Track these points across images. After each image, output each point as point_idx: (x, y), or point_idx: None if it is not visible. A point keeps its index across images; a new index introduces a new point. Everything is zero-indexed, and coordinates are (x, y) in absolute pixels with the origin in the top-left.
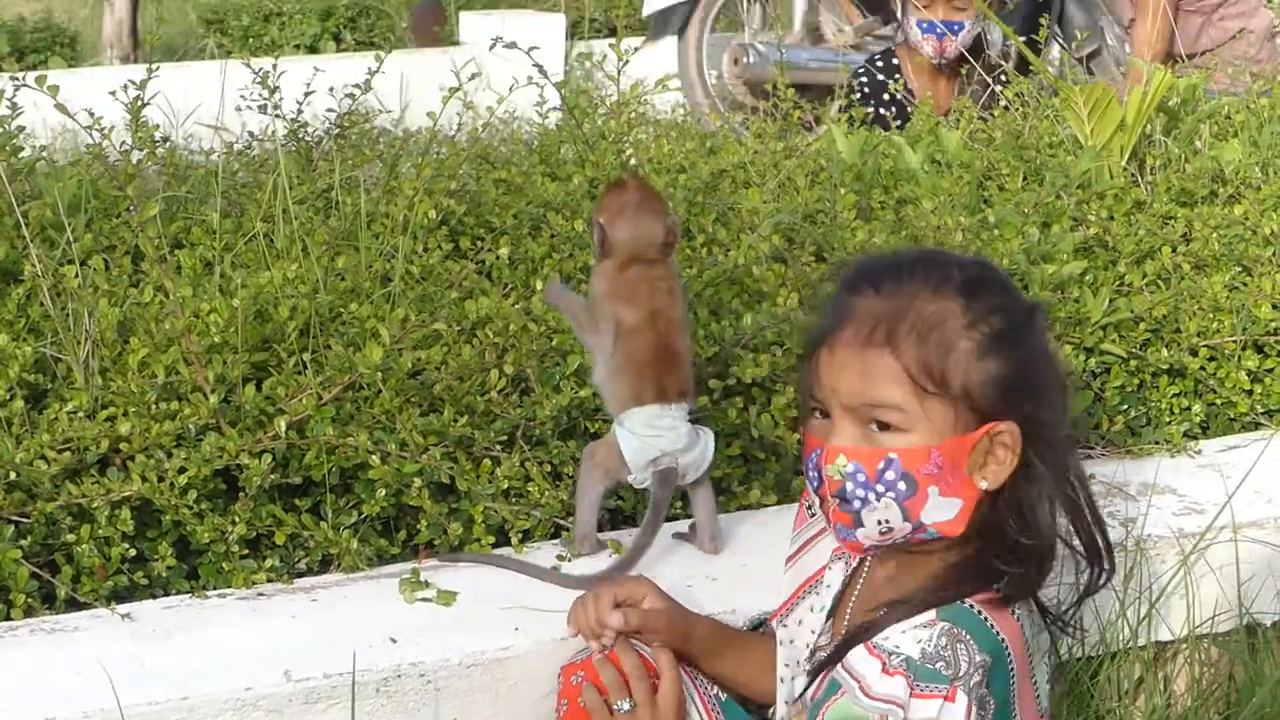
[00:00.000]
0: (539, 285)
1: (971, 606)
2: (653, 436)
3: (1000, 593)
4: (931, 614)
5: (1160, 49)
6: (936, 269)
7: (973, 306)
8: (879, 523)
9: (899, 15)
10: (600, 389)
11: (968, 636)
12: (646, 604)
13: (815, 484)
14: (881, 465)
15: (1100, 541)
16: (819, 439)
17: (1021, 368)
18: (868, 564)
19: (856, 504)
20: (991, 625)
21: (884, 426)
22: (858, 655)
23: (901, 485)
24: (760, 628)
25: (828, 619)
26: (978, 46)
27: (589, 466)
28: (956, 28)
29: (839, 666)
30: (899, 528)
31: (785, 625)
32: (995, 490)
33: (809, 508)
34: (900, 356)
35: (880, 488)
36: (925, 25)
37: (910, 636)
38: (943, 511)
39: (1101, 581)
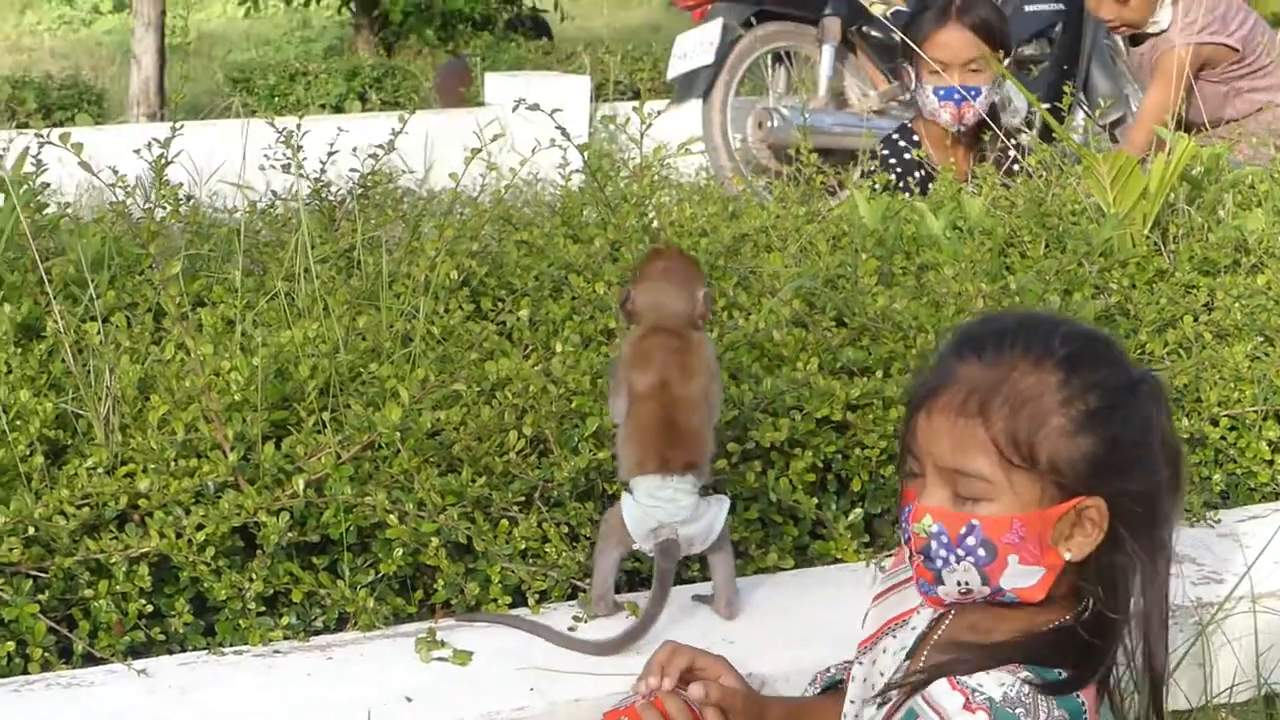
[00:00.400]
0: (559, 347)
1: (1055, 667)
2: (652, 506)
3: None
4: (1016, 664)
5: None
6: (1040, 339)
7: (1071, 381)
8: (958, 583)
9: (912, 86)
10: (618, 453)
11: (1049, 691)
12: (724, 681)
13: (905, 538)
14: (964, 530)
15: (1156, 658)
16: (913, 494)
17: (1116, 444)
18: (953, 612)
19: (939, 563)
20: None
21: (971, 493)
22: (940, 688)
23: (981, 551)
24: (831, 689)
25: (906, 658)
26: (993, 113)
27: (606, 530)
28: (974, 93)
29: (919, 697)
30: (977, 590)
31: (861, 662)
32: (1083, 560)
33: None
34: (990, 428)
35: (961, 551)
36: (943, 92)
37: (994, 678)
38: (1023, 579)
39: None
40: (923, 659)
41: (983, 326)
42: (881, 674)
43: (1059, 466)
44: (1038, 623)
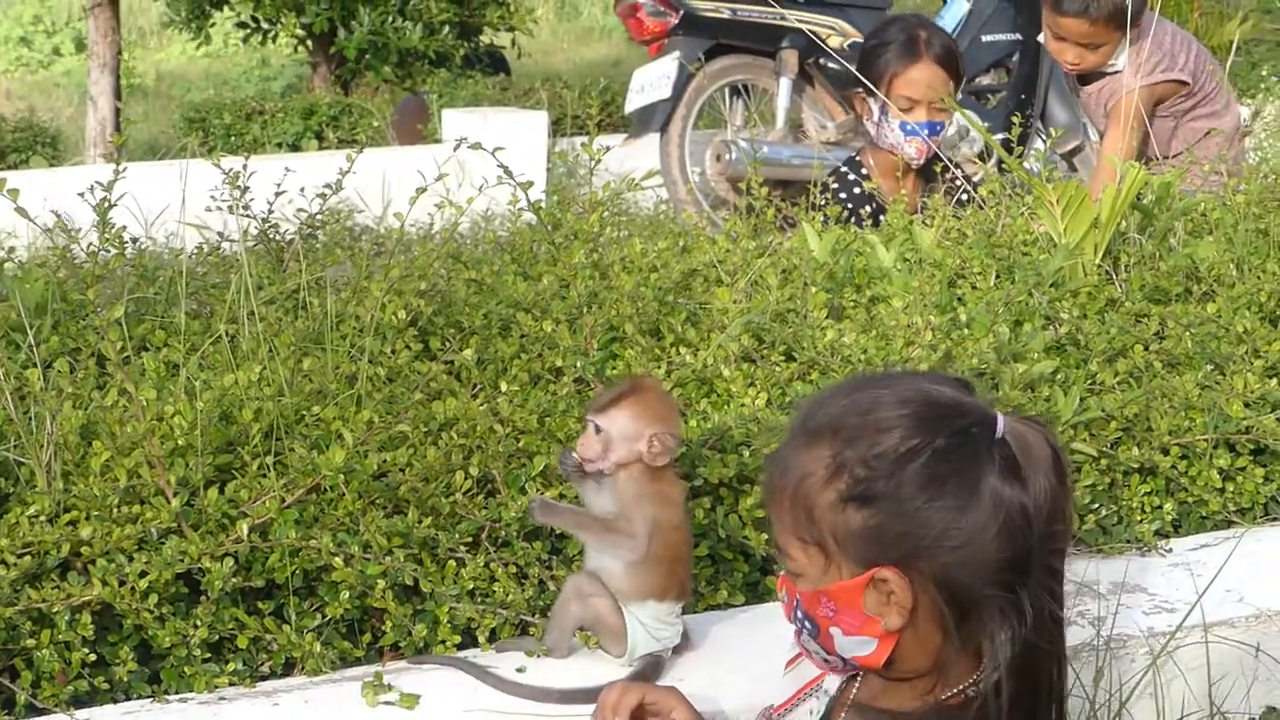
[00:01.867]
0: (505, 386)
1: None
2: (659, 630)
3: None
4: None
5: (1131, 151)
6: (825, 411)
7: (841, 455)
8: (813, 651)
9: (875, 118)
10: (613, 576)
11: None
12: (676, 716)
13: None
14: (794, 603)
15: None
16: None
17: (898, 514)
18: (860, 676)
19: (797, 631)
20: None
21: (791, 569)
22: None
23: (808, 624)
24: None
25: (823, 718)
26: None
27: (578, 610)
28: (939, 127)
29: None
30: (827, 657)
31: None
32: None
33: None
34: (782, 510)
35: (798, 622)
36: (910, 127)
37: None
38: (858, 648)
39: None
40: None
41: (806, 403)
42: None
43: (840, 540)
44: (937, 693)
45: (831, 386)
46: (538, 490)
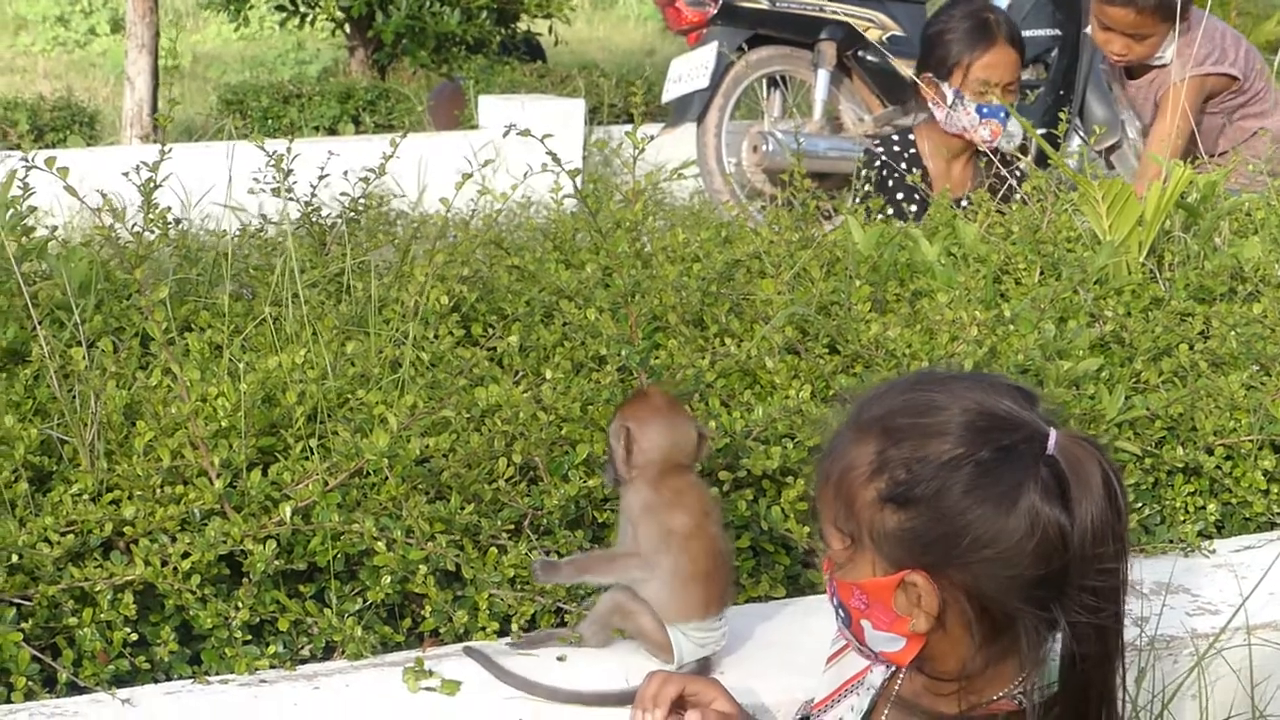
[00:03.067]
0: (549, 374)
1: None
2: (704, 638)
3: None
4: None
5: (1178, 146)
6: (877, 407)
7: (886, 453)
8: (849, 639)
9: (947, 102)
10: (653, 597)
11: None
12: (716, 707)
13: None
14: (830, 591)
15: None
16: None
17: (937, 518)
18: (906, 671)
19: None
20: None
21: (833, 559)
22: None
23: (842, 613)
24: None
25: (868, 713)
26: None
27: (620, 623)
28: (1007, 111)
29: None
30: (862, 649)
31: (824, 716)
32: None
33: None
34: (825, 498)
35: (834, 610)
36: (987, 110)
37: None
38: (887, 644)
39: None
40: (885, 715)
41: (869, 392)
42: None
43: (875, 538)
44: (979, 696)
45: (894, 380)
46: (580, 480)
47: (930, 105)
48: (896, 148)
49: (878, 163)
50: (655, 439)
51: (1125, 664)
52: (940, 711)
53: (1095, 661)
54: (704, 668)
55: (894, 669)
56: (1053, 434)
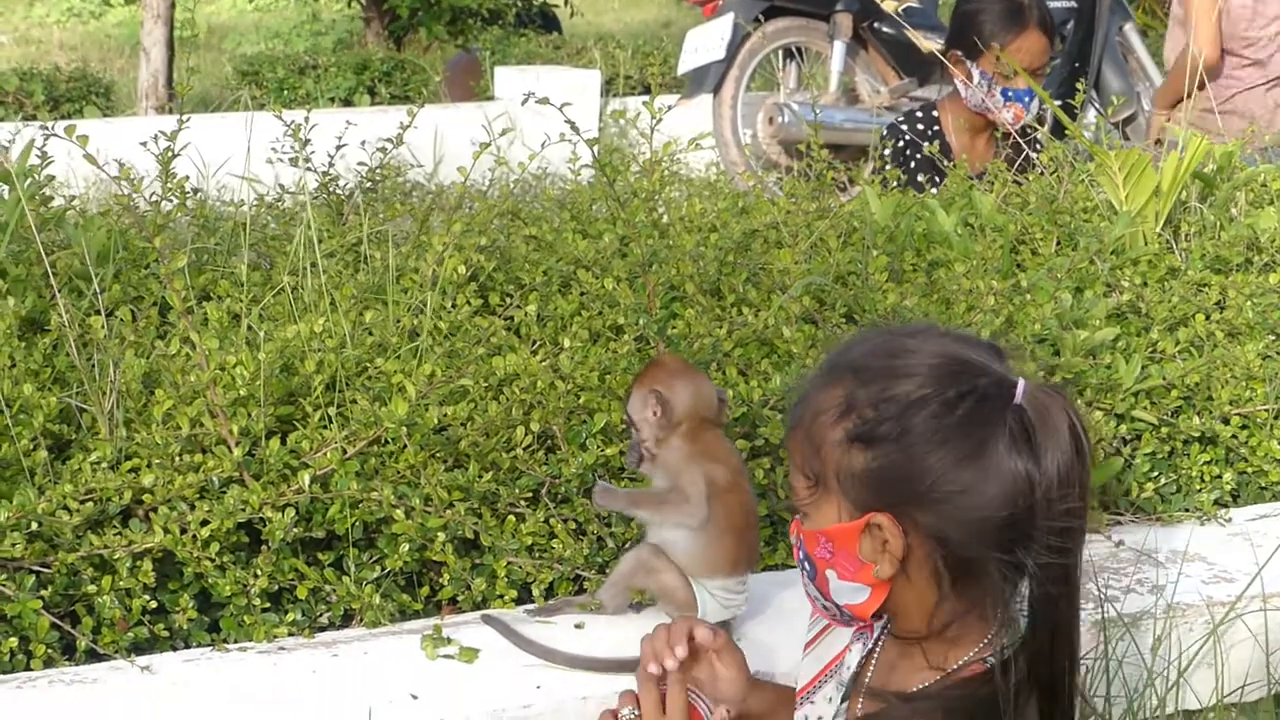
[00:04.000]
0: (567, 343)
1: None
2: (729, 599)
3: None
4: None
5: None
6: (848, 354)
7: (855, 395)
8: (813, 597)
9: (974, 81)
10: (681, 551)
11: None
12: (723, 662)
13: None
14: (795, 543)
15: (1060, 679)
16: None
17: (905, 459)
18: (880, 645)
19: (801, 575)
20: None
21: (799, 507)
22: None
23: (808, 565)
24: None
25: (843, 701)
26: None
27: (643, 581)
28: (1033, 95)
29: None
30: (827, 605)
31: (808, 704)
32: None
33: None
34: (794, 445)
35: (799, 564)
36: (1012, 94)
37: None
38: (850, 595)
39: None
40: (859, 705)
41: (840, 342)
42: (828, 716)
43: (841, 480)
44: (949, 660)
45: (864, 330)
46: (598, 449)
47: (957, 83)
48: (920, 124)
49: (901, 141)
50: (684, 397)
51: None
52: (914, 689)
53: (1064, 601)
54: (723, 627)
55: (869, 649)
56: (1021, 383)
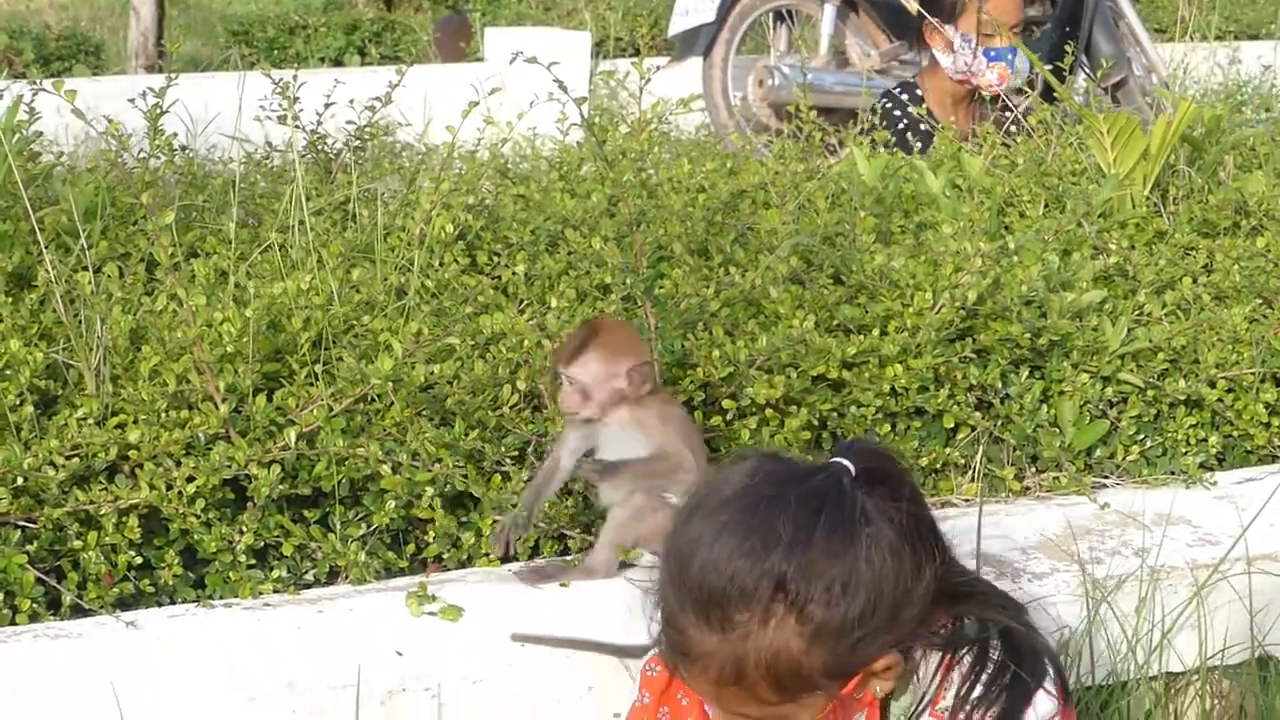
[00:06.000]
0: (554, 302)
1: None
2: None
3: None
4: None
5: None
6: (753, 585)
7: (804, 612)
8: None
9: (955, 47)
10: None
11: None
12: None
13: None
14: None
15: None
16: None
17: (860, 617)
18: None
19: None
20: None
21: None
22: None
23: None
24: None
25: None
26: None
27: (636, 528)
28: (1014, 53)
29: None
30: None
31: None
32: None
33: None
34: (759, 688)
35: None
36: (994, 53)
37: None
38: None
39: None
40: None
41: (699, 584)
42: None
43: (830, 673)
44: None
45: (673, 564)
46: None
47: (935, 52)
48: (903, 96)
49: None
50: (650, 370)
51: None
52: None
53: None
54: None
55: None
56: (839, 459)
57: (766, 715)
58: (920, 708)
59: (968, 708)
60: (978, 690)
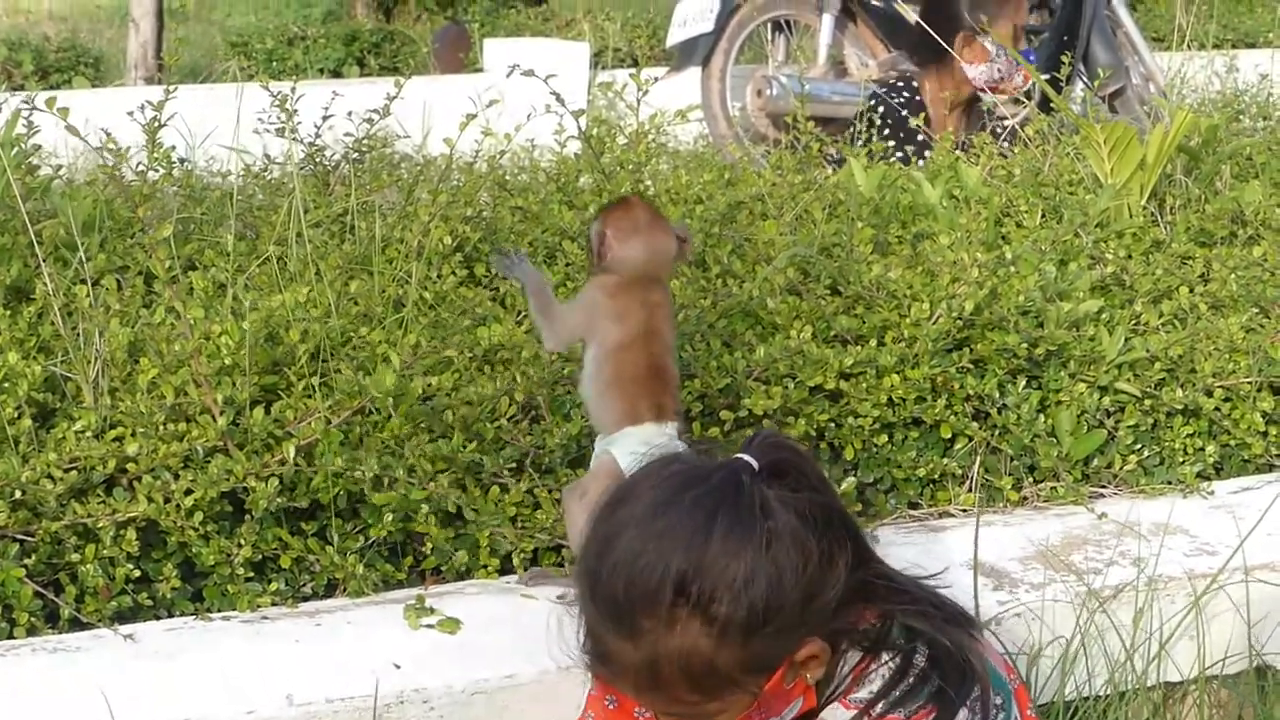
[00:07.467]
0: None
1: None
2: (646, 454)
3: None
4: None
5: None
6: (654, 590)
7: (708, 612)
8: None
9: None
10: (592, 407)
11: None
12: None
13: None
14: None
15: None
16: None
17: (773, 610)
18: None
19: None
20: None
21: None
22: None
23: None
24: None
25: None
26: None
27: (579, 506)
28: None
29: None
30: None
31: None
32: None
33: None
34: (677, 690)
35: None
36: (1026, 53)
37: None
38: (790, 712)
39: None
40: None
41: (608, 594)
42: None
43: (747, 669)
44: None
45: (579, 579)
46: (581, 419)
47: (963, 64)
48: (903, 89)
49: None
50: (630, 252)
51: None
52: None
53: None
54: None
55: None
56: (742, 456)
57: (694, 714)
58: (831, 697)
59: (882, 705)
60: (896, 692)
